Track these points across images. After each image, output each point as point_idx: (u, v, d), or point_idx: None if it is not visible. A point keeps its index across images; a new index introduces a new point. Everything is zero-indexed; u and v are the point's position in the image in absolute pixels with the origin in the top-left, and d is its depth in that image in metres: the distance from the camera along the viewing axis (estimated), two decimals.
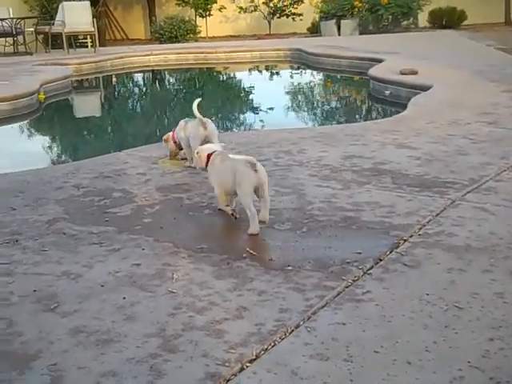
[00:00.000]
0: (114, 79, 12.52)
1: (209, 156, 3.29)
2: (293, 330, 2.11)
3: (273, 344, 2.03)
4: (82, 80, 11.76)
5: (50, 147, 6.80)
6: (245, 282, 2.48)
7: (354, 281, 2.45)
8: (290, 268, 2.59)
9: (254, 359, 1.95)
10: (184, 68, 13.13)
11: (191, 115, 4.13)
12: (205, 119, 4.02)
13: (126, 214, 3.34)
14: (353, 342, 2.02)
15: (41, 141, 7.16)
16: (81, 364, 1.96)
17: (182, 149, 4.30)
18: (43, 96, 8.52)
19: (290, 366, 1.91)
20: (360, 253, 2.70)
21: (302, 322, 2.15)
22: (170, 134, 4.30)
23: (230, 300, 2.34)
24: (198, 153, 3.40)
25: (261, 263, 2.65)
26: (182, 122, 4.25)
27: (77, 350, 2.04)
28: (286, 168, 4.09)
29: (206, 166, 3.30)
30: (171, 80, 12.82)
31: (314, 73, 11.52)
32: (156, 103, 9.82)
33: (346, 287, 2.40)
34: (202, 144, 3.83)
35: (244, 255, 2.74)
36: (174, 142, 4.29)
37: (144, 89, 12.03)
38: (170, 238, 2.96)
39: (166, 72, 13.22)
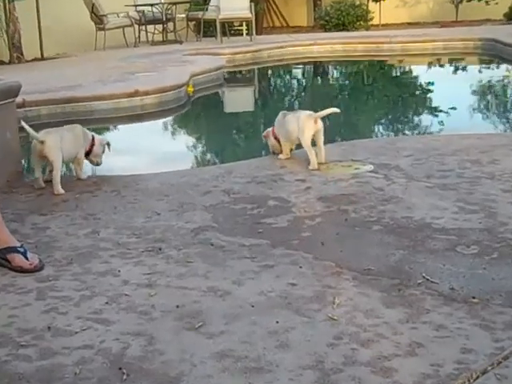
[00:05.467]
0: (270, 72, 12.81)
1: None
2: (478, 376, 2.03)
3: None
4: (236, 72, 12.14)
5: (197, 146, 7.08)
6: (419, 313, 2.44)
7: None
8: (475, 301, 2.51)
9: None
10: (352, 60, 13.16)
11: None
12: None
13: (283, 226, 3.40)
14: None
15: (188, 139, 7.48)
16: None
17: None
18: (192, 89, 8.89)
19: None
20: None
21: (489, 368, 2.06)
22: (270, 129, 4.72)
23: (402, 333, 2.30)
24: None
25: (439, 292, 2.59)
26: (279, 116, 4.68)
27: (223, 376, 2.09)
28: (474, 181, 3.98)
29: None
30: (336, 74, 12.89)
31: (510, 68, 11.09)
32: (317, 100, 9.90)
33: None
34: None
35: (419, 281, 2.69)
36: (275, 138, 4.68)
37: (304, 83, 12.18)
38: (332, 257, 2.97)
39: (331, 65, 13.31)
